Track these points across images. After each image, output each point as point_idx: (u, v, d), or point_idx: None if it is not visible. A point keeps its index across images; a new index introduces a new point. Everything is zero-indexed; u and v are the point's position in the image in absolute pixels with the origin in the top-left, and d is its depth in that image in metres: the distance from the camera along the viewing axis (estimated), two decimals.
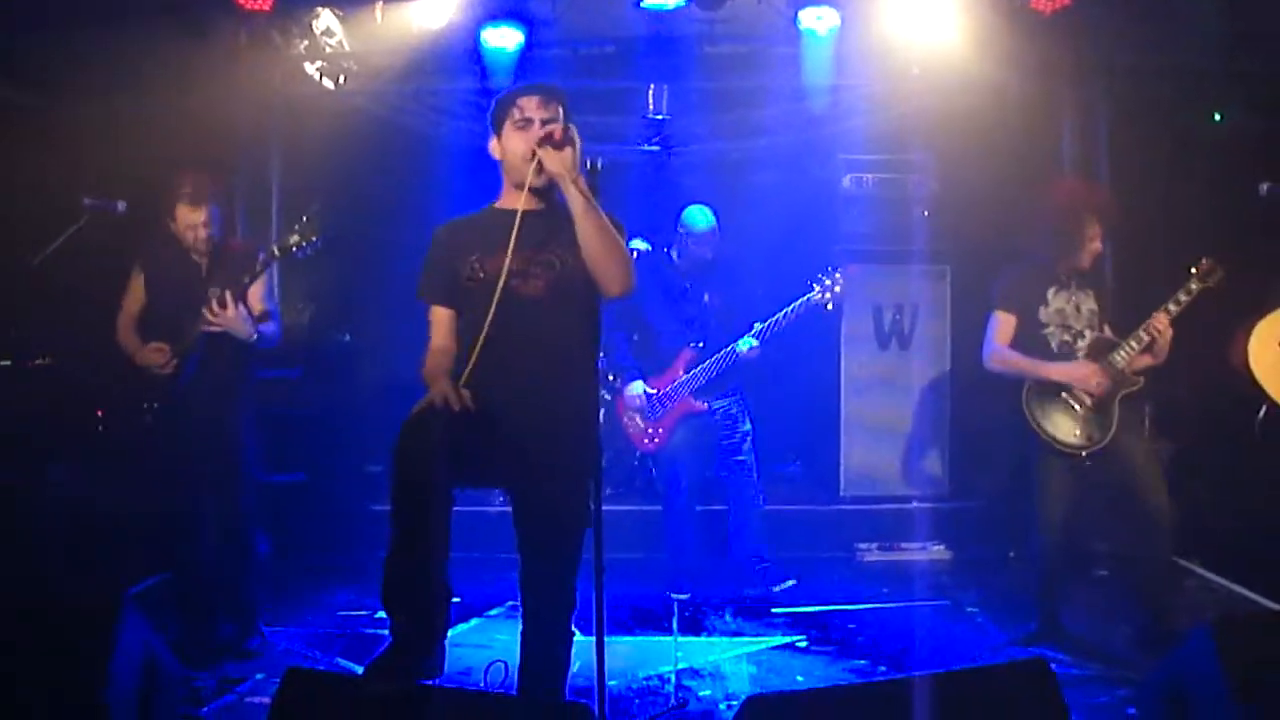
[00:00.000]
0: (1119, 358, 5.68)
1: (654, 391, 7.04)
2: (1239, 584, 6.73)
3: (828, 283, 6.76)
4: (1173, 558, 6.00)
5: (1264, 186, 5.73)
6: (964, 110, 8.67)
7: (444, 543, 3.94)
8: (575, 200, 4.01)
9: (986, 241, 8.23)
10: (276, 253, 5.55)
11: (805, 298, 6.78)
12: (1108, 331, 5.82)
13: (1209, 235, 6.16)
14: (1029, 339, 5.89)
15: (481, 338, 4.01)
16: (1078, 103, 8.60)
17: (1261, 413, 5.69)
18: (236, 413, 5.84)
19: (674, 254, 7.24)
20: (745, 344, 6.79)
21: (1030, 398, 5.82)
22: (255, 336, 5.63)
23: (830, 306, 6.79)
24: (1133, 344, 5.65)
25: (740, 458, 7.07)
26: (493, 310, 4.00)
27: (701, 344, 7.03)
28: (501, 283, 4.01)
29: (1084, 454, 5.74)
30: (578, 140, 4.13)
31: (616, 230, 4.15)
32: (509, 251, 4.02)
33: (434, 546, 3.88)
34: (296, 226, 5.52)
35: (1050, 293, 5.88)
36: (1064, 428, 5.76)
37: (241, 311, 5.57)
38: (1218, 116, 7.86)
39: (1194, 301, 5.56)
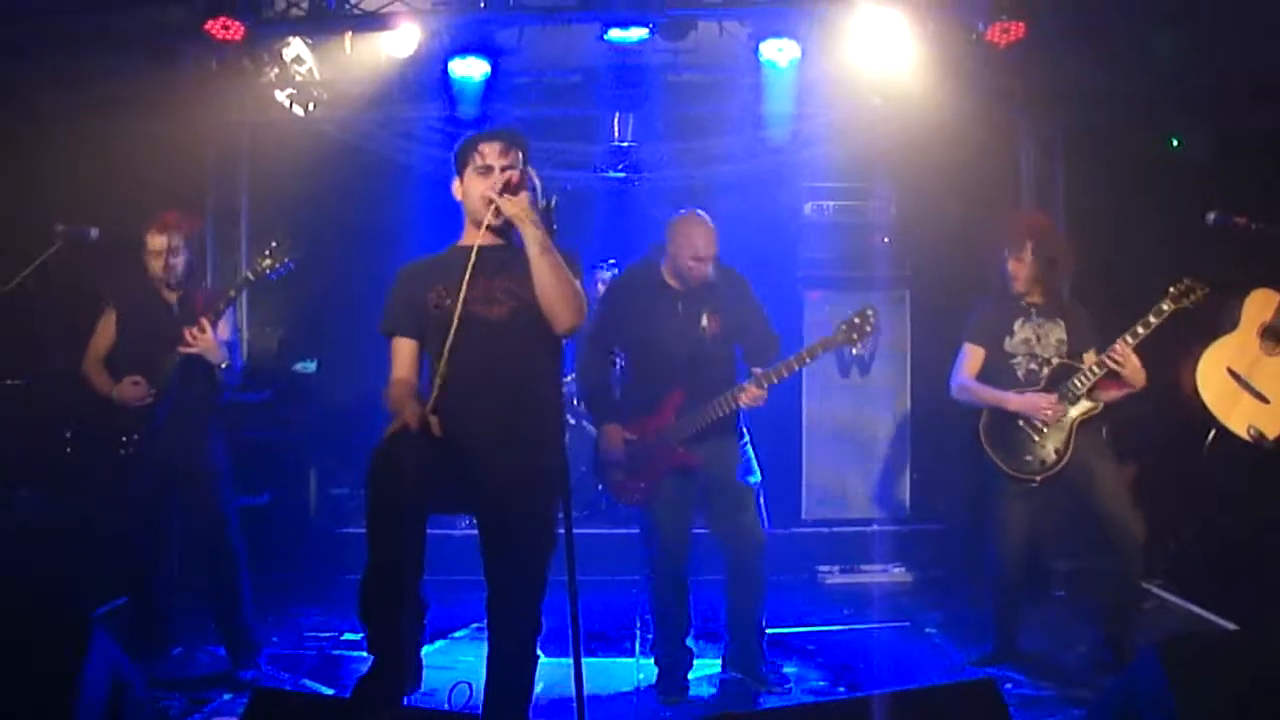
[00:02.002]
0: (1075, 385, 5.78)
1: (635, 438, 5.77)
2: (1197, 604, 6.83)
3: (856, 321, 5.65)
4: (1140, 589, 6.07)
5: (1211, 215, 5.81)
6: (923, 138, 8.81)
7: (418, 561, 4.04)
8: (530, 241, 4.19)
9: (946, 267, 8.36)
10: (251, 276, 5.63)
11: (826, 340, 5.73)
12: (1089, 357, 5.88)
13: (1164, 261, 6.27)
14: (998, 369, 6.00)
15: (444, 358, 4.12)
16: (1035, 131, 8.75)
17: (1210, 437, 5.78)
18: (210, 442, 5.88)
19: (665, 272, 5.86)
20: (747, 394, 5.61)
21: (986, 426, 5.94)
22: (226, 363, 5.68)
23: (858, 350, 6.17)
24: (1093, 369, 5.75)
25: (743, 518, 5.81)
26: (453, 328, 4.11)
27: (694, 381, 5.72)
28: (460, 302, 4.15)
29: (1037, 479, 5.84)
30: (538, 183, 4.29)
31: (572, 262, 4.31)
32: (466, 274, 4.15)
33: (408, 565, 3.98)
34: (268, 250, 5.60)
35: (1016, 324, 5.99)
36: (1018, 454, 5.86)
37: (218, 336, 5.63)
38: (1175, 143, 8.00)
39: (1166, 322, 5.61)
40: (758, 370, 5.68)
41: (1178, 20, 7.19)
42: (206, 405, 5.83)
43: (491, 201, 4.24)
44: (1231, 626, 6.37)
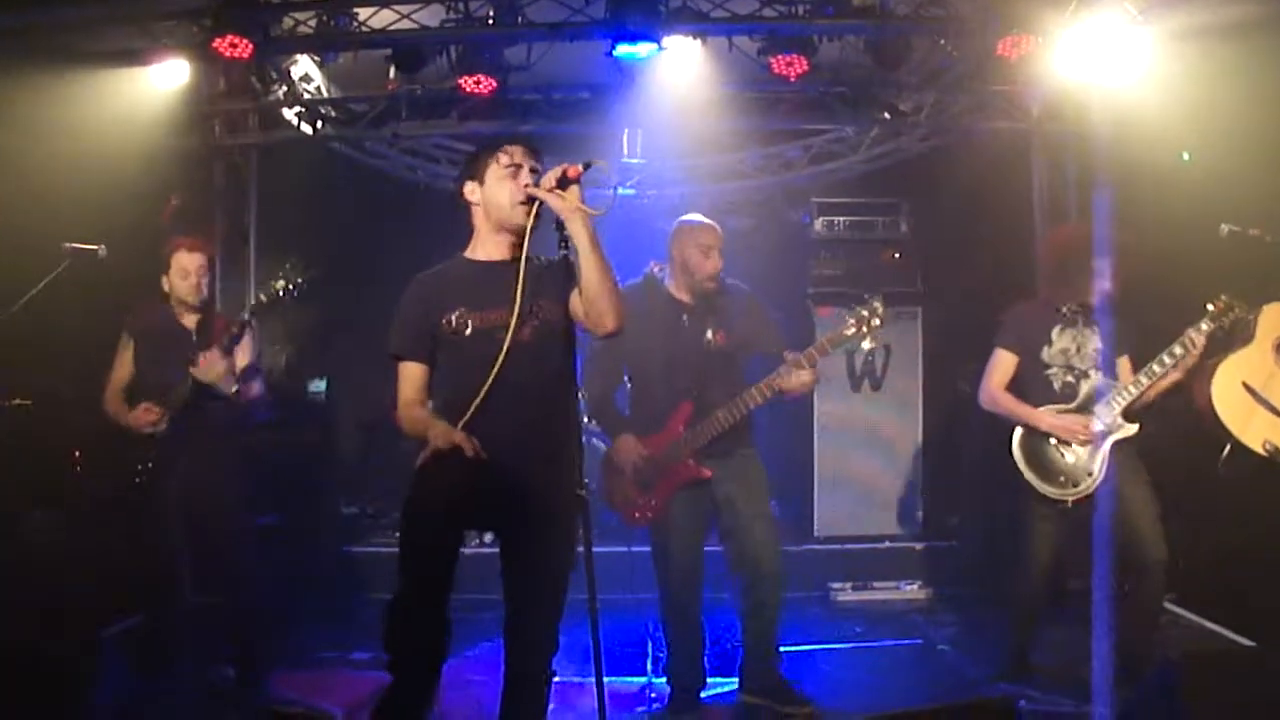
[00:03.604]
0: (1111, 405, 5.70)
1: (646, 454, 5.65)
2: (1211, 620, 6.80)
3: (864, 314, 5.57)
4: (1161, 609, 6.02)
5: (1224, 227, 5.78)
6: (934, 154, 8.82)
7: (449, 588, 4.02)
8: (581, 236, 4.00)
9: (958, 283, 8.34)
10: (264, 299, 5.61)
11: (832, 335, 5.65)
12: (1125, 369, 5.84)
13: (1179, 276, 6.24)
14: (1032, 379, 5.90)
15: (488, 385, 4.03)
16: (1046, 145, 8.75)
17: (1225, 452, 5.73)
18: (225, 464, 5.86)
19: (672, 286, 5.83)
20: (796, 378, 5.50)
21: (1021, 443, 5.84)
22: (235, 390, 5.66)
23: (869, 343, 5.83)
24: (1130, 389, 5.69)
25: (759, 535, 5.66)
26: (501, 359, 4.03)
27: (702, 394, 5.65)
28: (510, 334, 4.04)
29: (1069, 501, 5.75)
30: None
31: None
32: (518, 299, 4.04)
33: (441, 594, 3.97)
34: (281, 271, 5.58)
35: (1055, 331, 5.88)
36: (1052, 474, 5.77)
37: (227, 364, 5.61)
38: (1186, 156, 7.96)
39: (1208, 341, 5.56)
40: (789, 355, 5.55)
41: None
42: (221, 428, 5.81)
43: (528, 201, 4.09)
44: (1246, 643, 6.34)
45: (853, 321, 5.58)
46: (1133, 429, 5.73)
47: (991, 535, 7.86)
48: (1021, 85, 8.18)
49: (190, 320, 5.85)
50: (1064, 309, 5.89)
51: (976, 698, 4.47)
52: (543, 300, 4.18)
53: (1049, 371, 5.86)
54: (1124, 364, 5.85)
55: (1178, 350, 5.58)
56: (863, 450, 8.68)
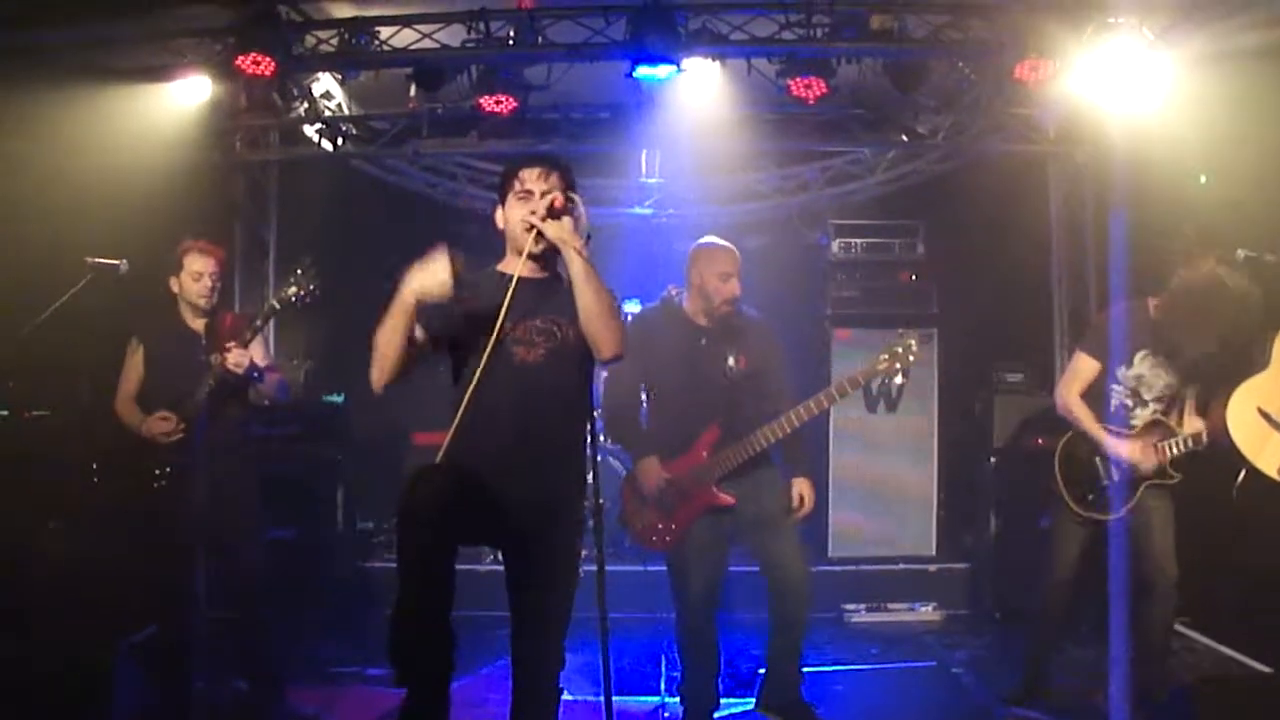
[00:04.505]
0: (1170, 449, 5.64)
1: (669, 477, 5.63)
2: (1226, 645, 6.78)
3: (899, 350, 5.60)
4: (1172, 630, 5.99)
5: (1240, 252, 5.78)
6: (952, 176, 8.83)
7: (448, 596, 3.95)
8: (575, 265, 4.08)
9: (974, 305, 8.35)
10: (277, 305, 5.58)
11: (866, 369, 5.68)
12: (1189, 410, 5.76)
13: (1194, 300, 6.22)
14: (1094, 391, 5.80)
15: (466, 399, 4.07)
16: (1063, 168, 8.76)
17: (1240, 477, 5.72)
18: (243, 474, 5.88)
19: (689, 309, 5.78)
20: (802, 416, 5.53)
21: (1064, 451, 5.83)
22: (258, 376, 5.66)
23: (901, 379, 5.80)
24: (1189, 440, 5.62)
25: (784, 551, 5.66)
26: (482, 364, 4.06)
27: (728, 419, 5.62)
28: (490, 345, 4.08)
29: (1089, 520, 5.75)
30: (583, 209, 4.21)
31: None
32: (502, 313, 4.09)
33: (440, 602, 3.92)
34: (293, 277, 5.56)
35: (1139, 355, 5.75)
36: (1084, 490, 5.77)
37: (251, 352, 5.62)
38: (1203, 179, 7.96)
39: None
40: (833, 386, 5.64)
41: None
42: (237, 437, 5.84)
43: (533, 227, 4.14)
44: (1261, 668, 6.32)
45: (885, 357, 5.60)
46: (1173, 478, 5.68)
47: (1006, 557, 7.86)
48: (1039, 108, 8.21)
49: (198, 324, 5.83)
50: (1159, 332, 5.70)
51: None
52: (559, 319, 4.22)
53: (1114, 387, 5.75)
54: (1189, 406, 5.76)
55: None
56: (878, 472, 8.68)
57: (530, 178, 4.27)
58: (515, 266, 4.22)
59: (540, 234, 4.13)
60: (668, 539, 5.66)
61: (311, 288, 5.54)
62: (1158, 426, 5.69)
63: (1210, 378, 5.72)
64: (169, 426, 5.65)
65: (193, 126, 7.72)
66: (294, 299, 5.53)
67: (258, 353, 5.73)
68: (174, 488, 5.64)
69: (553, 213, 4.11)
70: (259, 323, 5.68)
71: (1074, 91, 7.11)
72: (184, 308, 5.85)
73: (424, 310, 4.13)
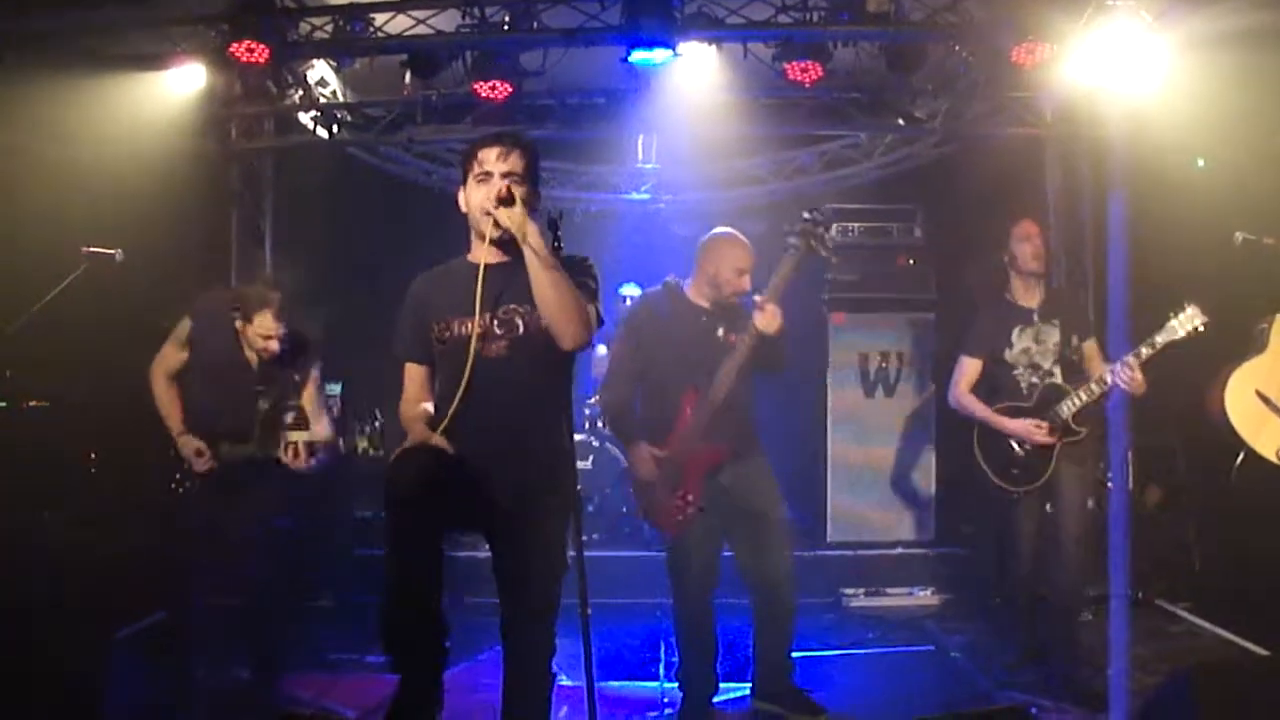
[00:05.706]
0: (1064, 409, 5.82)
1: (665, 454, 5.58)
2: (1225, 629, 6.79)
3: (800, 228, 5.50)
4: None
5: (1238, 235, 5.80)
6: (949, 160, 8.80)
7: (437, 581, 3.94)
8: (528, 255, 3.98)
9: (971, 289, 8.33)
10: (343, 449, 5.50)
11: (782, 270, 5.49)
12: (1088, 356, 5.96)
13: (1191, 282, 6.23)
14: (1001, 380, 6.08)
15: (456, 400, 4.05)
16: (1061, 152, 8.74)
17: (1238, 460, 5.74)
18: (267, 490, 5.85)
19: (692, 292, 5.74)
20: (762, 318, 5.37)
21: (980, 437, 6.10)
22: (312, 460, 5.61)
23: (824, 252, 5.62)
24: (1081, 395, 5.78)
25: (771, 545, 5.66)
26: (467, 373, 4.03)
27: (710, 386, 5.51)
28: (473, 347, 4.05)
29: (1017, 492, 5.99)
30: (535, 195, 4.18)
31: (587, 270, 4.20)
32: (476, 312, 4.06)
33: (427, 585, 3.91)
34: (368, 429, 5.51)
35: (1015, 333, 6.04)
36: (1005, 467, 6.00)
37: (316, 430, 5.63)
38: (1200, 162, 7.94)
39: (1172, 346, 5.53)
40: (757, 298, 5.46)
41: None
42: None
43: (489, 213, 4.06)
44: (1260, 651, 6.33)
45: (796, 243, 5.49)
46: (1080, 434, 5.88)
47: (1003, 541, 7.86)
48: (1036, 91, 8.18)
49: (250, 355, 5.71)
50: (1022, 307, 6.09)
51: (993, 708, 4.45)
52: (522, 306, 4.14)
53: (1015, 372, 6.05)
54: (1090, 348, 6.03)
55: (1141, 352, 5.57)
56: (876, 456, 8.69)
57: (489, 158, 4.16)
58: (480, 254, 4.13)
59: (496, 220, 4.04)
60: (688, 510, 5.56)
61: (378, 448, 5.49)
62: (1051, 391, 5.93)
63: (1081, 316, 6.17)
64: (203, 465, 5.60)
65: (188, 114, 7.68)
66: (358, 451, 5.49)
67: (321, 424, 5.73)
68: (190, 495, 5.63)
69: (502, 200, 4.00)
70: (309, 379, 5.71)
71: (1071, 75, 7.07)
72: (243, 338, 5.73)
73: (424, 351, 4.28)
